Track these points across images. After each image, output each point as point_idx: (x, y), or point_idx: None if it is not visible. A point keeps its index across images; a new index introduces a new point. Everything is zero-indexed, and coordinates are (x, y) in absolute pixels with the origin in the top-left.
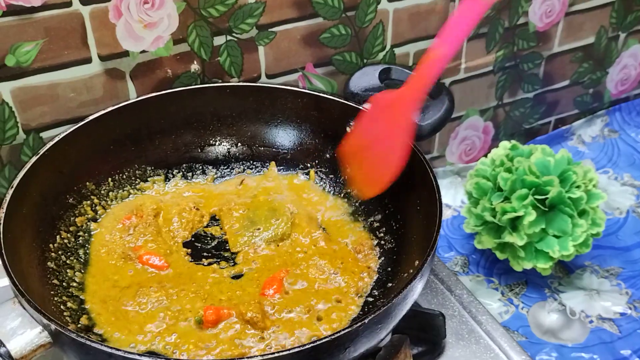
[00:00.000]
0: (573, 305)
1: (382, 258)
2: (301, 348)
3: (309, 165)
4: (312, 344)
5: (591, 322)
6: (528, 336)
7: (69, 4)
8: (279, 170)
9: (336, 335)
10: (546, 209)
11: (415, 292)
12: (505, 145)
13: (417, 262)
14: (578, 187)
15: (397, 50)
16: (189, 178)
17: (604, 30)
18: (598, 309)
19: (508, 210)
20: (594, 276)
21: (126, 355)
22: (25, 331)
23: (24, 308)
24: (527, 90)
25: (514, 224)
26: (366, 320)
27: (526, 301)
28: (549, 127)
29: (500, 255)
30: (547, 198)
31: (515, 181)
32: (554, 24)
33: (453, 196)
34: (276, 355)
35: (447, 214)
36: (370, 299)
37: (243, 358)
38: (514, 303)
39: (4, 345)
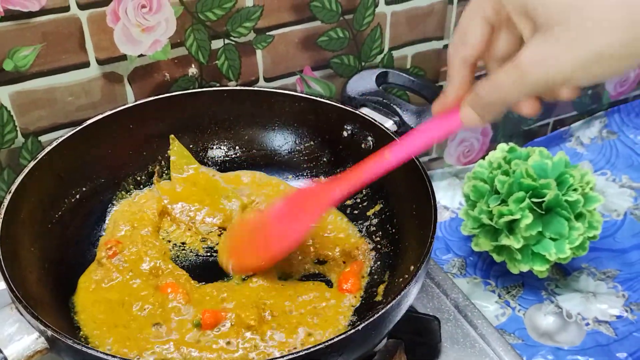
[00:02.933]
0: (570, 308)
1: (379, 262)
2: (295, 355)
3: (305, 168)
4: (306, 350)
5: (587, 324)
6: (524, 339)
7: (67, 9)
8: (274, 174)
9: (330, 341)
10: (543, 212)
11: (410, 297)
12: (503, 147)
13: (412, 268)
14: (575, 190)
15: (395, 53)
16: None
17: None
18: (594, 312)
19: (505, 213)
20: (591, 279)
21: None
22: (23, 337)
23: (21, 314)
24: None
25: (511, 227)
26: (360, 327)
27: (523, 303)
28: (548, 129)
29: (497, 258)
30: (544, 201)
31: (512, 184)
32: None
33: (451, 198)
34: None
35: (445, 215)
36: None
37: None
38: (510, 305)
39: (1, 352)
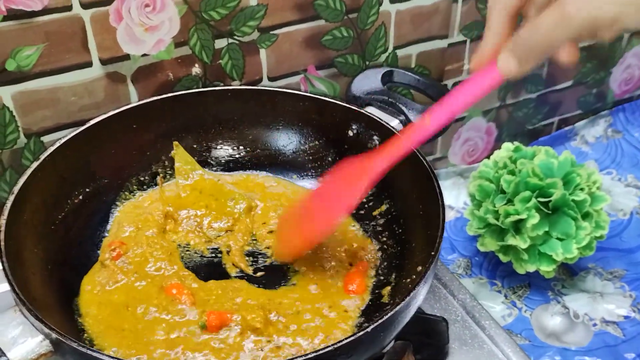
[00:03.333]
0: (576, 308)
1: (385, 263)
2: (304, 357)
3: (310, 168)
4: (314, 353)
5: (595, 325)
6: (531, 339)
7: (70, 8)
8: (279, 174)
9: (339, 344)
10: (550, 212)
11: (419, 298)
12: (508, 147)
13: (420, 268)
14: (582, 189)
15: (400, 52)
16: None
17: None
18: (602, 312)
19: (511, 212)
20: (598, 278)
21: None
22: (27, 340)
23: (25, 316)
24: (530, 91)
25: (517, 227)
26: (369, 329)
27: (529, 304)
28: (552, 128)
29: (503, 258)
30: (550, 200)
31: (518, 183)
32: None
33: (456, 197)
34: None
35: (449, 215)
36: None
37: None
38: (517, 306)
39: (5, 355)
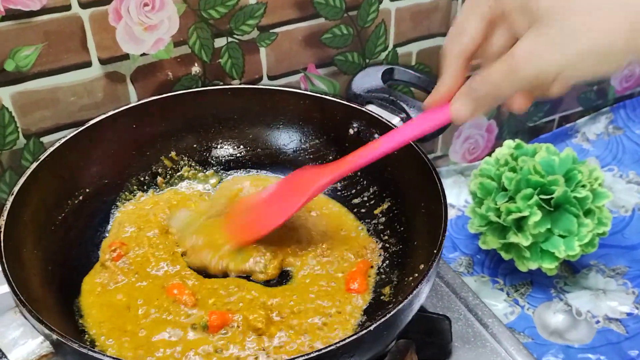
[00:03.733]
0: (579, 306)
1: (387, 262)
2: (307, 357)
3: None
4: (317, 352)
5: (598, 322)
6: (534, 337)
7: (68, 8)
8: (279, 173)
9: (341, 343)
10: (551, 209)
11: (422, 296)
12: (509, 144)
13: (422, 266)
14: (583, 186)
15: (400, 50)
16: (191, 179)
17: None
18: (604, 309)
19: (513, 210)
20: (600, 275)
21: None
22: (27, 341)
23: (25, 317)
24: None
25: (519, 224)
26: (372, 327)
27: (532, 302)
28: (553, 125)
29: (505, 256)
30: (552, 198)
31: (519, 181)
32: None
33: (457, 195)
34: None
35: (451, 213)
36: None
37: None
38: (519, 304)
39: (6, 356)
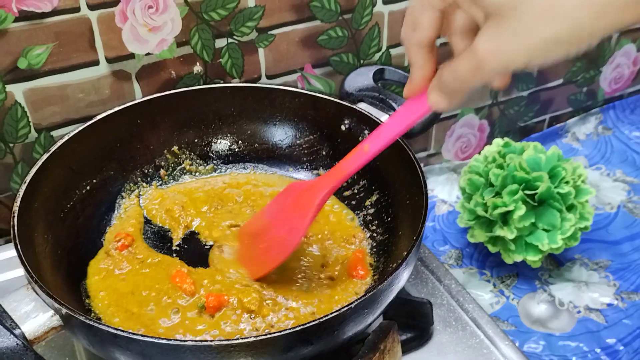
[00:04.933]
0: (562, 296)
1: (375, 250)
2: (291, 330)
3: (305, 162)
4: (301, 326)
5: (579, 312)
6: (517, 325)
7: (78, 10)
8: (275, 167)
9: (324, 318)
10: (536, 204)
11: (401, 280)
12: (498, 142)
13: (405, 253)
14: (567, 182)
15: (393, 51)
16: (193, 173)
17: None
18: (586, 300)
19: (499, 205)
20: (584, 269)
21: (131, 336)
22: (38, 315)
23: (37, 293)
24: (521, 89)
25: (505, 218)
26: (352, 305)
27: (517, 292)
28: (544, 125)
29: (492, 249)
30: (536, 193)
31: (506, 177)
32: None
33: (449, 192)
34: (268, 337)
35: (442, 209)
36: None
37: (237, 338)
38: (505, 294)
39: (19, 327)
